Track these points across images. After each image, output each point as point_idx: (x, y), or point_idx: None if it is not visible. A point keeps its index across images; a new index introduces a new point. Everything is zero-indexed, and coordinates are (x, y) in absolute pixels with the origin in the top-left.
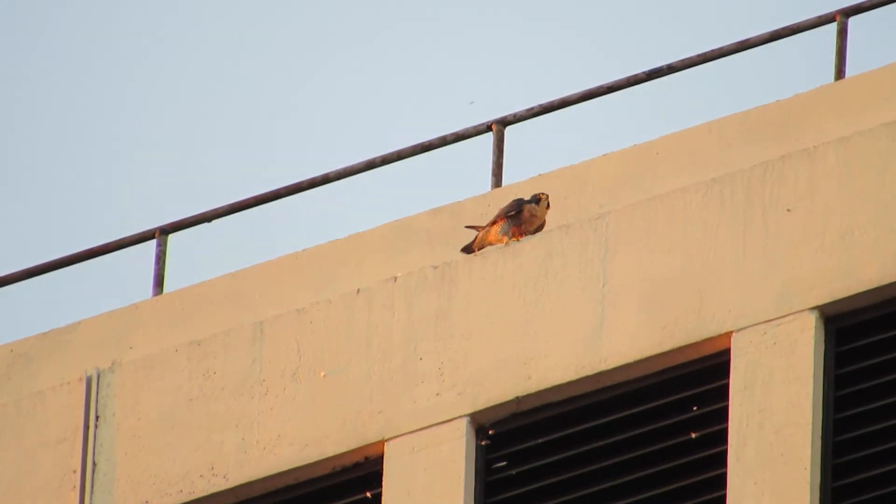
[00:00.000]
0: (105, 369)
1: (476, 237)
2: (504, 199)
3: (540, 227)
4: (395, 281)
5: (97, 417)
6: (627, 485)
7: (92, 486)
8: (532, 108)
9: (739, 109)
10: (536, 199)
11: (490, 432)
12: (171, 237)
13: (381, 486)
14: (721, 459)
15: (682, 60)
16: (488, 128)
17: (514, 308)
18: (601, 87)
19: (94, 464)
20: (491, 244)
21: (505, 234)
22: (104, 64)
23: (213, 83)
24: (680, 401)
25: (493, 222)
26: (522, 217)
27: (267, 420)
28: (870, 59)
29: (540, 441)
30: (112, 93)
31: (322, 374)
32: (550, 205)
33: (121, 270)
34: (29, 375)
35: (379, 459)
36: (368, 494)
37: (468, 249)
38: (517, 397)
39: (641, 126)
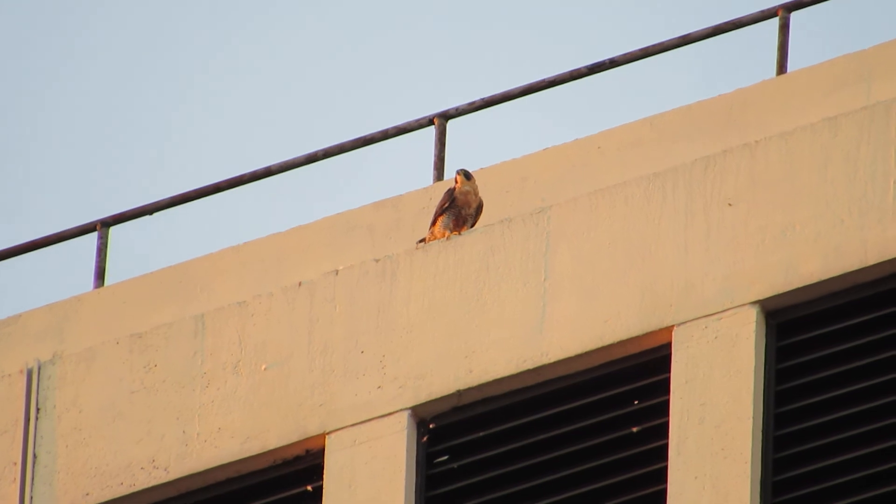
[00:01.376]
0: (46, 361)
1: (426, 239)
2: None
3: (480, 206)
4: (337, 274)
5: (38, 410)
6: (569, 478)
7: (32, 479)
8: (474, 102)
9: (681, 104)
10: (464, 174)
11: (431, 426)
12: (113, 230)
13: (322, 479)
14: (662, 453)
15: (624, 55)
16: (430, 121)
17: (455, 302)
18: (543, 81)
19: (35, 456)
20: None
21: (447, 227)
22: (45, 56)
23: (155, 75)
24: (621, 395)
25: (434, 221)
26: (458, 203)
27: (208, 413)
28: (812, 55)
29: (481, 434)
30: (52, 85)
31: (263, 367)
32: (471, 175)
33: (62, 263)
34: None
35: (320, 452)
36: (309, 487)
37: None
38: (458, 391)
39: (583, 120)
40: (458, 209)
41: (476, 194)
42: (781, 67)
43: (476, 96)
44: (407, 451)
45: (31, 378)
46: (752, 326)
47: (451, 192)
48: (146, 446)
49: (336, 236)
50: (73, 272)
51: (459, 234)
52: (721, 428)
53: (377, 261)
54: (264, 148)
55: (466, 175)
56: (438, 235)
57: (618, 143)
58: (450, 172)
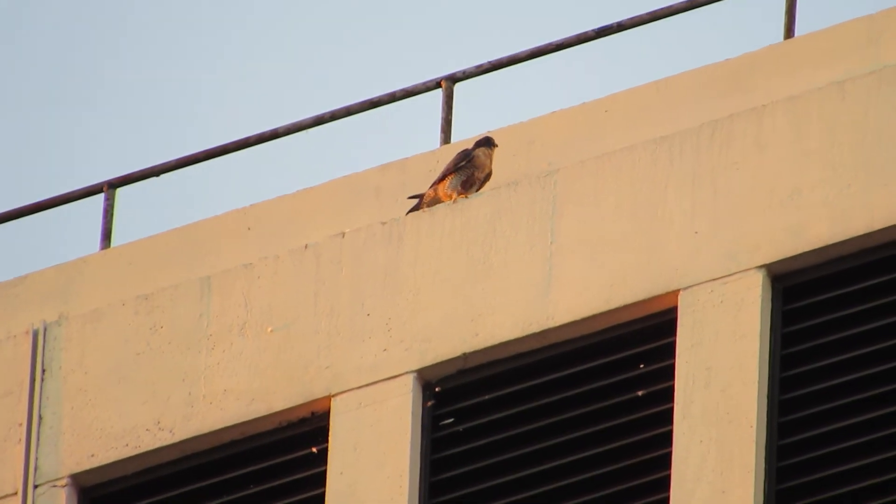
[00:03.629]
0: (52, 323)
1: (423, 196)
2: (453, 155)
3: (488, 177)
4: (343, 237)
5: (43, 371)
6: (573, 441)
7: (38, 440)
8: (481, 65)
9: (688, 68)
10: (489, 142)
11: (437, 388)
12: (119, 191)
13: (327, 442)
14: (667, 417)
15: (632, 18)
16: (437, 84)
17: (461, 265)
18: (550, 44)
19: (41, 417)
20: (440, 201)
21: (454, 189)
22: (51, 15)
23: (163, 38)
24: (627, 358)
25: (442, 179)
26: (476, 163)
27: (214, 375)
28: (820, 18)
29: (486, 397)
30: (59, 46)
31: (269, 329)
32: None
33: (68, 224)
34: None
35: (325, 415)
36: (315, 450)
37: (415, 210)
38: (464, 354)
39: (590, 84)
40: (472, 170)
41: (491, 162)
42: (789, 31)
43: (484, 59)
44: (412, 413)
45: (37, 339)
46: (758, 290)
47: (468, 152)
48: (151, 408)
49: (343, 199)
50: (79, 233)
51: (466, 197)
52: (726, 392)
53: (384, 224)
54: (271, 110)
55: (494, 142)
56: (441, 193)
57: (625, 107)
58: (457, 136)
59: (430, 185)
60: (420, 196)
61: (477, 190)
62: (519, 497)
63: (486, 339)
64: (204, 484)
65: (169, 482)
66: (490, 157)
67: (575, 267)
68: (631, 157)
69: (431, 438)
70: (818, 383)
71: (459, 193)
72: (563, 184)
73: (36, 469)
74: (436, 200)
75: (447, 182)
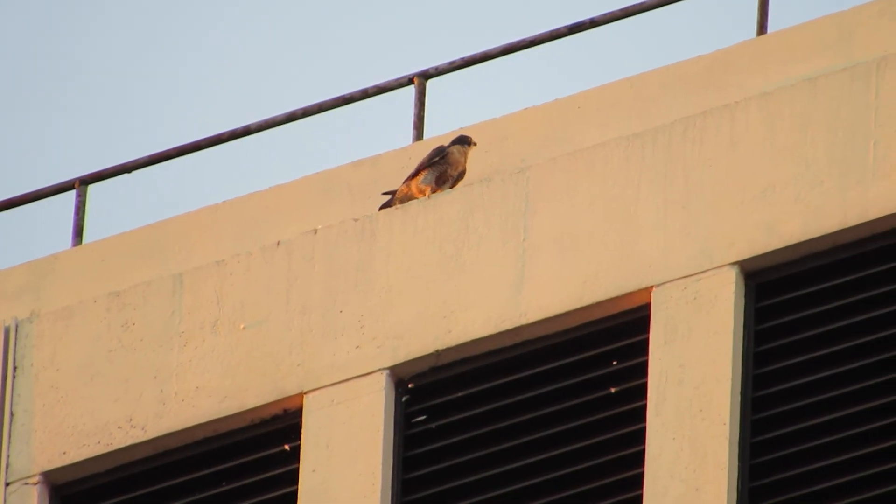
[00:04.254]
0: (23, 320)
1: (396, 192)
2: (425, 152)
3: (461, 175)
4: (316, 233)
5: (15, 368)
6: (546, 439)
7: (9, 437)
8: (454, 62)
9: (661, 64)
10: (466, 141)
11: (410, 385)
12: (91, 188)
13: (299, 439)
14: (640, 414)
15: (604, 15)
16: (410, 81)
17: (434, 261)
18: (523, 41)
19: (12, 414)
20: (413, 197)
21: (428, 184)
22: (23, 13)
23: (135, 34)
24: (600, 355)
25: (415, 174)
26: (450, 160)
27: (186, 372)
28: (792, 15)
29: (459, 394)
30: (30, 42)
31: (242, 326)
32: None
33: (40, 221)
34: None
35: (298, 412)
36: (287, 447)
37: (388, 206)
38: (437, 351)
39: (563, 80)
40: (446, 167)
41: (464, 169)
42: (762, 28)
43: (456, 56)
44: (385, 411)
45: (9, 336)
46: (732, 287)
47: (442, 148)
48: (123, 405)
49: (315, 195)
50: (51, 230)
51: (430, 195)
52: (699, 389)
53: (356, 220)
54: (244, 106)
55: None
56: (415, 189)
57: (598, 104)
58: (429, 132)
59: (402, 181)
60: (393, 192)
61: (450, 187)
62: (492, 494)
63: (459, 336)
64: (176, 481)
65: (141, 480)
66: (465, 156)
67: (548, 264)
68: (604, 153)
69: (404, 435)
70: (791, 380)
71: (434, 189)
72: (536, 180)
73: (7, 467)
74: (409, 196)
75: (420, 177)
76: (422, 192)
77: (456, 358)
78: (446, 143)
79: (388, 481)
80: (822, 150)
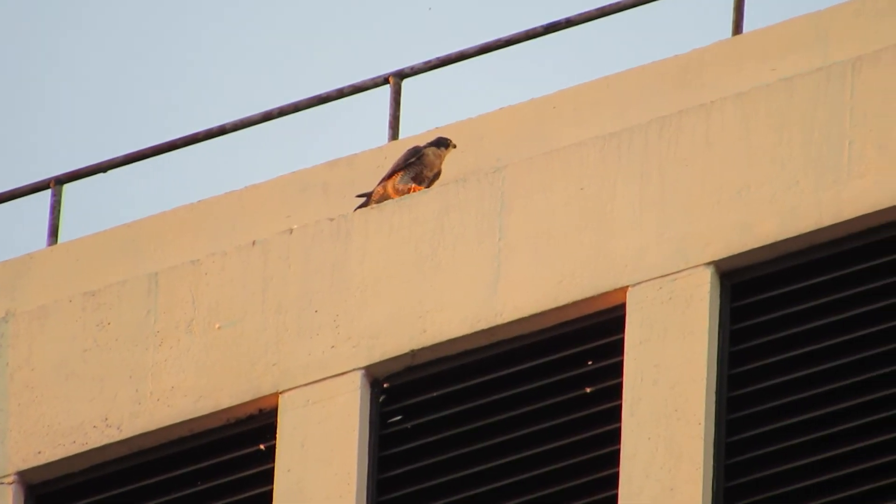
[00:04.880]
0: None
1: (372, 194)
2: (401, 152)
3: (436, 176)
4: (291, 233)
5: None
6: (521, 438)
7: None
8: (430, 61)
9: (637, 64)
10: (444, 143)
11: (385, 385)
12: (66, 187)
13: (275, 439)
14: (616, 414)
15: (580, 15)
16: (385, 80)
17: (410, 261)
18: (499, 40)
19: None
20: (389, 198)
21: (405, 184)
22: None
23: (110, 33)
24: (575, 355)
25: (390, 175)
26: (426, 161)
27: (161, 371)
28: (768, 15)
29: (435, 394)
30: (4, 42)
31: (217, 325)
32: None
33: (15, 220)
34: None
35: (273, 412)
36: (262, 447)
37: (363, 207)
38: (412, 350)
39: (539, 80)
40: (422, 168)
41: (439, 170)
42: (737, 28)
43: (432, 55)
44: (360, 410)
45: None
46: (707, 287)
47: (418, 149)
48: (99, 405)
49: (291, 195)
50: (26, 230)
51: (407, 193)
52: (675, 389)
53: (332, 220)
54: (219, 106)
55: (452, 144)
56: (390, 190)
57: (574, 103)
58: (405, 132)
59: (378, 181)
60: (368, 194)
61: (426, 187)
62: (467, 494)
63: (434, 336)
64: (151, 481)
65: (116, 479)
66: (441, 158)
67: (523, 263)
68: (579, 153)
69: (379, 435)
70: (766, 380)
71: (411, 188)
72: (512, 180)
73: None
74: (385, 197)
75: (396, 178)
76: (398, 192)
77: (431, 358)
78: (422, 143)
79: (364, 481)
80: (798, 150)
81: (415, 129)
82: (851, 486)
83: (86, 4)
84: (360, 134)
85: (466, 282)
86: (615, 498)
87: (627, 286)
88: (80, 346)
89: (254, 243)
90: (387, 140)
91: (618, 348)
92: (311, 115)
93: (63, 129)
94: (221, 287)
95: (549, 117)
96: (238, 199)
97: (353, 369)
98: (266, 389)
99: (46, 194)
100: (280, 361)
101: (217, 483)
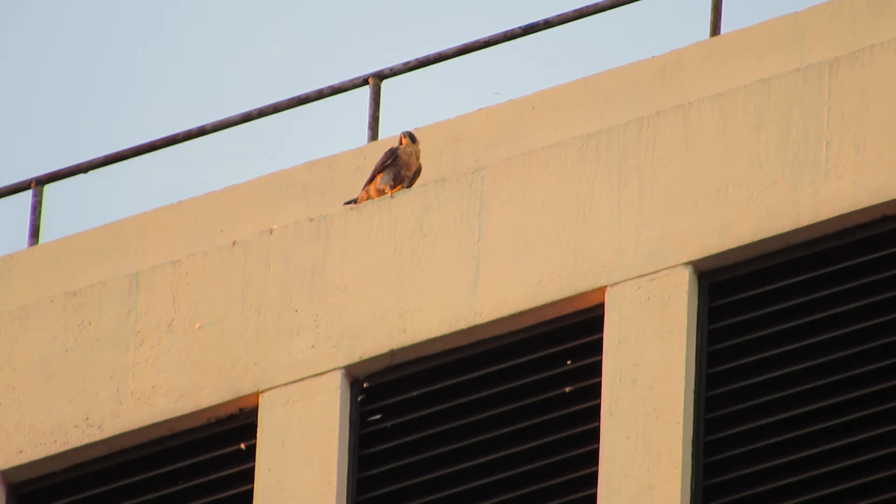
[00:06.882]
0: None
1: (357, 200)
2: (380, 152)
3: (418, 171)
4: (271, 233)
5: None
6: (501, 438)
7: None
8: (408, 62)
9: (615, 65)
10: (409, 136)
11: (365, 385)
12: (47, 188)
13: (255, 438)
14: (594, 413)
15: (559, 15)
16: (365, 81)
17: (389, 261)
18: (478, 41)
19: None
20: (373, 199)
21: (386, 184)
22: None
23: (90, 33)
24: (554, 355)
25: (371, 179)
26: (400, 162)
27: (142, 371)
28: (745, 16)
29: (414, 394)
30: None
31: (197, 325)
32: (417, 139)
33: None
34: None
35: (254, 411)
36: (243, 446)
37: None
38: (392, 350)
39: (517, 81)
40: (399, 168)
41: (418, 158)
42: (715, 28)
43: (411, 56)
44: (340, 410)
45: None
46: (685, 287)
47: (393, 150)
48: (80, 404)
49: (270, 196)
50: (7, 230)
51: (391, 195)
52: (653, 388)
53: (311, 220)
54: (199, 106)
55: (412, 138)
56: (374, 193)
57: (552, 104)
58: (384, 132)
59: (361, 187)
60: (354, 201)
61: (408, 186)
62: (447, 493)
63: (414, 336)
64: (132, 480)
65: (98, 478)
66: (414, 154)
67: (502, 264)
68: (558, 153)
69: (359, 434)
70: (744, 379)
71: (393, 188)
72: (490, 180)
73: None
74: (369, 200)
75: (377, 181)
76: (382, 193)
77: (411, 357)
78: (395, 145)
79: (344, 480)
80: (776, 150)
81: (394, 130)
82: (829, 484)
83: (65, 5)
84: (339, 135)
85: (446, 282)
86: (594, 497)
87: (606, 286)
88: (62, 346)
89: (234, 243)
90: (366, 141)
91: (597, 348)
92: (291, 115)
93: (44, 129)
94: (202, 287)
95: (528, 118)
96: (218, 199)
97: (333, 369)
98: (246, 389)
99: (27, 195)
100: (260, 361)
101: (198, 482)
